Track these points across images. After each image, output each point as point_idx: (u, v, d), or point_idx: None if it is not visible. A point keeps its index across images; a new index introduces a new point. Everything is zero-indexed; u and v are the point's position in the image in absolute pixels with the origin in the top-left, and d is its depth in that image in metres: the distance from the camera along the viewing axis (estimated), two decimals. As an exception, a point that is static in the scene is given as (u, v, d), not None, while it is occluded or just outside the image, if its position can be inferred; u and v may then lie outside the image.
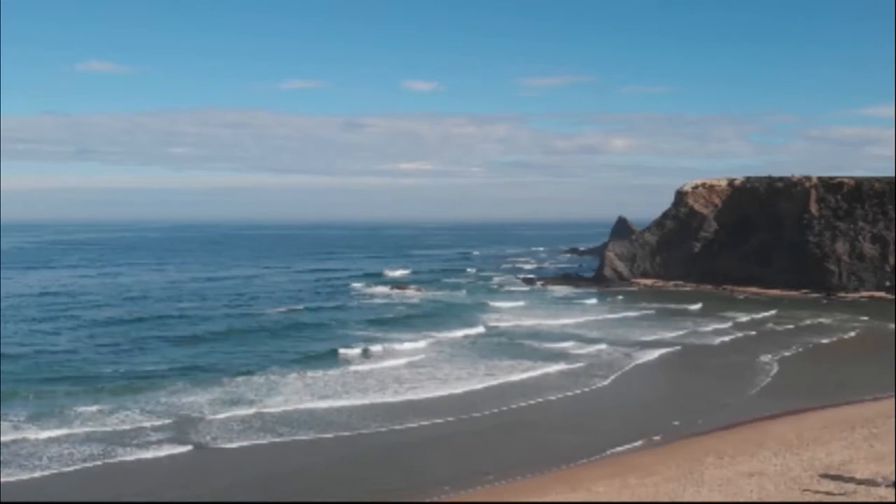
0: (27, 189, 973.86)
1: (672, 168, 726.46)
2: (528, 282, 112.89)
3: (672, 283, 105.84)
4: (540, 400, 41.84)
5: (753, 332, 66.22)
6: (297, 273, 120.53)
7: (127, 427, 34.60)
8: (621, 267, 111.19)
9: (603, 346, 57.55)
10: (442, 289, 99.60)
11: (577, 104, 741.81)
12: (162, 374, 45.01)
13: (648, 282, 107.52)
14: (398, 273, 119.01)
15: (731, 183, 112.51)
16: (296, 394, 41.35)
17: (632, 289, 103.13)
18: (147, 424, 35.00)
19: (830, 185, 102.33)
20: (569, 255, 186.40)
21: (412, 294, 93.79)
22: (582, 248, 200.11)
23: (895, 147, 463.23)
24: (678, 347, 58.52)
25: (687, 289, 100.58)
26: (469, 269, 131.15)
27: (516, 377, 46.97)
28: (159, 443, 32.52)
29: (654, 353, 55.77)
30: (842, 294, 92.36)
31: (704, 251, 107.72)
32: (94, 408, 36.80)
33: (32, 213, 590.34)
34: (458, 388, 43.82)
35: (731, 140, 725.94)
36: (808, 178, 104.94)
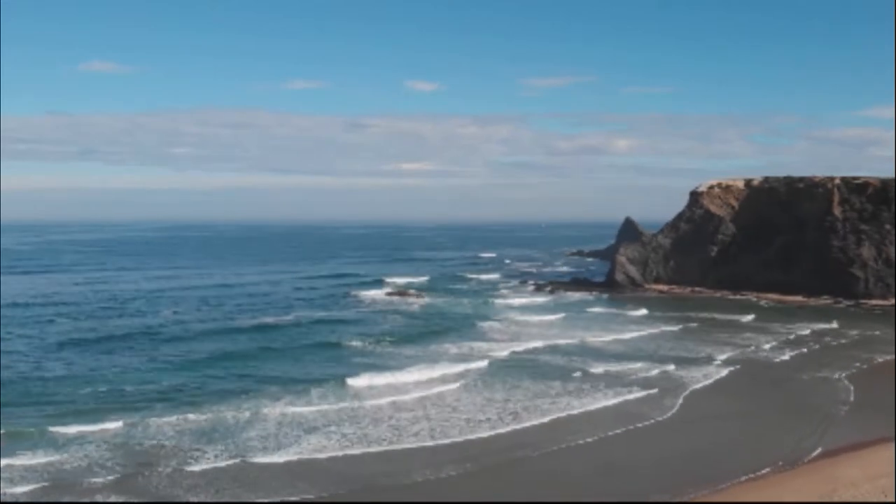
0: (28, 189, 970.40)
1: (674, 169, 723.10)
2: (539, 287, 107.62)
3: (688, 288, 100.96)
4: (571, 444, 35.30)
5: (816, 346, 61.50)
6: (298, 279, 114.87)
7: (78, 479, 28.98)
8: (633, 272, 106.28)
9: (654, 370, 50.83)
10: (450, 296, 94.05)
11: (579, 104, 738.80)
12: (137, 401, 39.84)
13: (662, 287, 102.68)
14: (402, 279, 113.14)
15: (748, 183, 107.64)
16: (293, 435, 35.03)
17: (646, 295, 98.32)
18: (102, 480, 29.00)
19: (854, 186, 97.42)
20: (575, 258, 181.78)
21: (419, 302, 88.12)
22: (587, 251, 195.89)
23: (895, 149, 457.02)
24: (737, 367, 52.89)
25: (706, 295, 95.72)
26: (474, 275, 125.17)
27: (556, 414, 39.94)
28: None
29: (714, 375, 50.03)
30: (869, 301, 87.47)
31: (721, 255, 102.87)
32: (49, 458, 30.97)
33: (33, 213, 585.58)
34: (506, 426, 37.43)
35: (733, 141, 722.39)
36: (831, 179, 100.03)
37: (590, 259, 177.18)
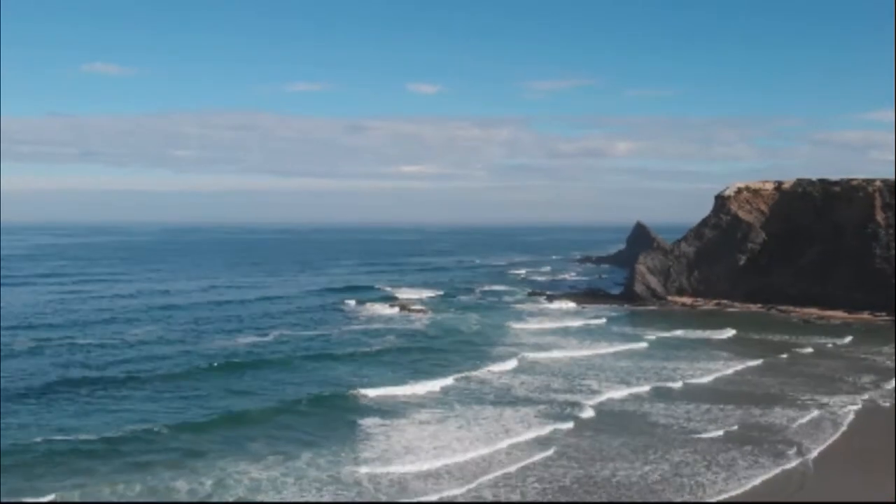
0: (30, 190, 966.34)
1: (675, 172, 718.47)
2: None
3: (714, 301, 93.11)
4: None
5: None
6: (293, 292, 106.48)
7: None
8: (654, 283, 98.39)
9: (763, 423, 40.74)
10: (465, 312, 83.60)
11: (581, 107, 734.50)
12: (76, 454, 31.68)
13: (686, 300, 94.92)
14: (407, 291, 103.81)
15: (778, 187, 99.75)
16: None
17: (670, 308, 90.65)
18: None
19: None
20: (583, 265, 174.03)
21: (427, 319, 78.62)
22: (595, 257, 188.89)
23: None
24: (858, 411, 43.23)
25: (738, 310, 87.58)
26: (487, 286, 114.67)
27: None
28: None
29: (837, 428, 40.00)
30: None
31: (751, 265, 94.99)
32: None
33: (34, 215, 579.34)
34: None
35: (735, 144, 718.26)
36: (871, 181, 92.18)
37: (600, 265, 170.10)
